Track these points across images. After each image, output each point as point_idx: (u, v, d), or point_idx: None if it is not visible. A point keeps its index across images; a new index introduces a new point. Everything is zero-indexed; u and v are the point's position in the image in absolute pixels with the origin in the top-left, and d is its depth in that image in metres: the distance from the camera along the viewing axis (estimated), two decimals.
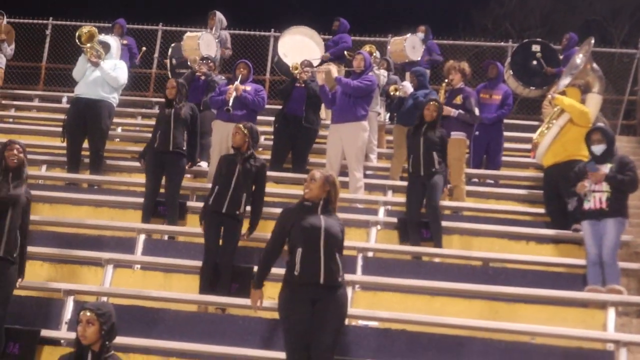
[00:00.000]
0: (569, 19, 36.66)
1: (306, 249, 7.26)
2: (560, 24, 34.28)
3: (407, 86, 12.95)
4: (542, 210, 11.35)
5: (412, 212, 10.55)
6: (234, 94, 12.05)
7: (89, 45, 12.47)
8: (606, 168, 9.61)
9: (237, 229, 9.47)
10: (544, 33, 33.20)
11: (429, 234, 10.35)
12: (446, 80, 12.41)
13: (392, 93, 13.01)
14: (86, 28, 12.67)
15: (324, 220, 7.38)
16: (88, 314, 6.50)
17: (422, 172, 10.58)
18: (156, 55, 19.23)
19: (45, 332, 8.37)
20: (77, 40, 12.59)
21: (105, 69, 12.43)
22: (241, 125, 9.74)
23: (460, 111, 11.98)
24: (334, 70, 12.34)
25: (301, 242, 7.31)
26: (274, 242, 7.56)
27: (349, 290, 8.62)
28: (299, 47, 15.37)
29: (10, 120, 16.60)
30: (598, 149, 9.78)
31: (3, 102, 17.17)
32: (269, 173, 12.44)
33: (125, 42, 16.31)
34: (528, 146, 12.78)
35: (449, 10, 35.64)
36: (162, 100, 17.32)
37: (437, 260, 10.18)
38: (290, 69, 12.98)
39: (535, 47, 15.15)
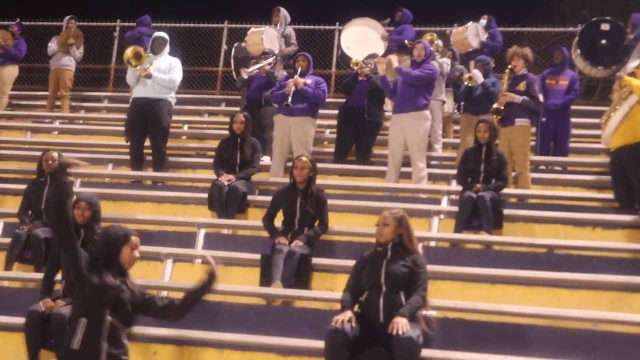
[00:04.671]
0: None
1: (369, 291, 7.53)
2: None
3: (479, 75, 12.83)
4: (610, 196, 11.15)
5: (460, 226, 10.38)
6: (293, 88, 12.08)
7: (138, 65, 12.63)
8: None
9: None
10: (624, 19, 32.47)
11: (478, 223, 10.24)
12: (509, 67, 12.24)
13: (466, 83, 12.88)
14: (129, 51, 12.79)
15: (386, 264, 7.55)
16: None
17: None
18: (222, 53, 19.37)
19: None
20: (127, 64, 12.76)
21: (158, 77, 12.57)
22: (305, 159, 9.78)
23: (525, 97, 11.83)
24: (395, 60, 12.21)
25: (366, 286, 7.56)
26: (351, 287, 7.72)
27: None
28: (361, 39, 15.33)
29: (80, 121, 16.94)
30: None
31: (73, 104, 17.50)
32: (333, 165, 12.56)
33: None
34: (596, 132, 12.55)
35: None
36: (230, 96, 17.75)
37: (497, 248, 10.06)
38: (351, 64, 12.94)
39: (604, 26, 14.81)
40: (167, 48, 12.93)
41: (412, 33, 15.49)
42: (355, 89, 12.91)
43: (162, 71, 12.65)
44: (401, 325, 7.14)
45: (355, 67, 12.71)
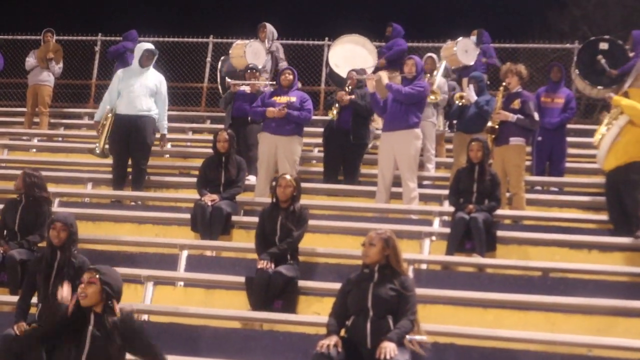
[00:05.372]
0: None
1: (356, 316, 7.54)
2: None
3: (471, 94, 12.87)
4: (606, 218, 11.23)
5: (452, 248, 10.44)
6: (274, 116, 12.24)
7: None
8: None
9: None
10: (624, 36, 32.41)
11: (471, 245, 10.31)
12: (503, 85, 12.32)
13: (457, 102, 12.95)
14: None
15: (373, 287, 7.55)
16: (90, 274, 6.70)
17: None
18: (207, 69, 19.46)
19: None
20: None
21: (165, 127, 12.98)
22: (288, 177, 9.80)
23: (519, 116, 11.86)
24: (385, 77, 12.28)
25: (353, 311, 7.57)
26: (337, 311, 7.73)
27: None
28: (350, 56, 15.35)
29: (60, 139, 16.97)
30: None
31: (52, 120, 17.54)
32: (321, 185, 12.63)
33: None
34: (593, 152, 12.62)
35: (525, 13, 35.30)
36: (215, 114, 17.80)
37: (490, 271, 10.13)
38: (329, 114, 12.95)
39: (603, 45, 14.94)
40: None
41: (405, 47, 15.56)
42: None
43: (150, 88, 12.69)
44: (389, 350, 7.17)
45: (333, 115, 12.77)
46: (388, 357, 7.13)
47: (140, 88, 12.64)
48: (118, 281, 6.81)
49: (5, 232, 10.25)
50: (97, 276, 6.65)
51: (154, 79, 12.83)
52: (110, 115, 12.69)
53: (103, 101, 13.05)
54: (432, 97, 13.15)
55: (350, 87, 12.83)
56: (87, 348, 6.55)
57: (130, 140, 12.57)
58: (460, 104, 12.93)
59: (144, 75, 12.76)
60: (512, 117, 11.86)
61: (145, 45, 13.08)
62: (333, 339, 7.39)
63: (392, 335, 7.31)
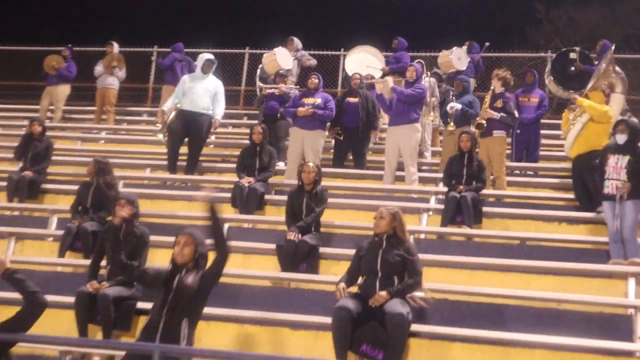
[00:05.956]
0: (613, 33, 35.78)
1: (367, 276, 7.68)
2: (605, 38, 33.31)
3: (455, 106, 12.63)
4: (573, 196, 11.25)
5: (446, 221, 10.48)
6: (303, 114, 12.31)
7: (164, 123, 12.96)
8: (624, 160, 9.46)
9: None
10: (590, 47, 32.13)
11: (461, 218, 10.35)
12: (492, 88, 12.30)
13: (450, 129, 12.76)
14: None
15: (382, 253, 7.65)
16: (185, 236, 7.04)
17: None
18: (244, 74, 19.54)
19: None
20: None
21: (220, 119, 13.03)
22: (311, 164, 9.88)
23: (503, 114, 11.85)
24: (390, 81, 12.38)
25: (365, 272, 7.73)
26: (351, 271, 7.89)
27: None
28: (362, 62, 15.37)
29: (123, 132, 17.04)
30: (620, 138, 9.64)
31: (117, 117, 17.63)
32: (338, 170, 12.65)
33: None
34: (563, 142, 12.60)
35: (507, 28, 35.13)
36: (250, 111, 17.83)
37: (477, 240, 10.17)
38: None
39: (573, 55, 14.96)
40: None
41: (409, 60, 15.54)
42: (346, 111, 12.99)
43: (209, 91, 12.80)
44: (377, 298, 7.39)
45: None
46: (372, 304, 7.37)
47: (202, 90, 12.77)
48: (205, 241, 7.11)
49: (80, 208, 10.38)
50: (192, 239, 6.98)
51: (213, 83, 12.95)
52: (175, 109, 12.78)
53: (171, 97, 13.13)
54: (431, 118, 13.34)
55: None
56: (173, 292, 6.79)
57: (189, 133, 12.70)
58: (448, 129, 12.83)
59: (205, 80, 12.89)
60: (497, 115, 11.84)
61: (207, 55, 13.13)
62: (340, 285, 7.64)
63: (392, 288, 7.46)
